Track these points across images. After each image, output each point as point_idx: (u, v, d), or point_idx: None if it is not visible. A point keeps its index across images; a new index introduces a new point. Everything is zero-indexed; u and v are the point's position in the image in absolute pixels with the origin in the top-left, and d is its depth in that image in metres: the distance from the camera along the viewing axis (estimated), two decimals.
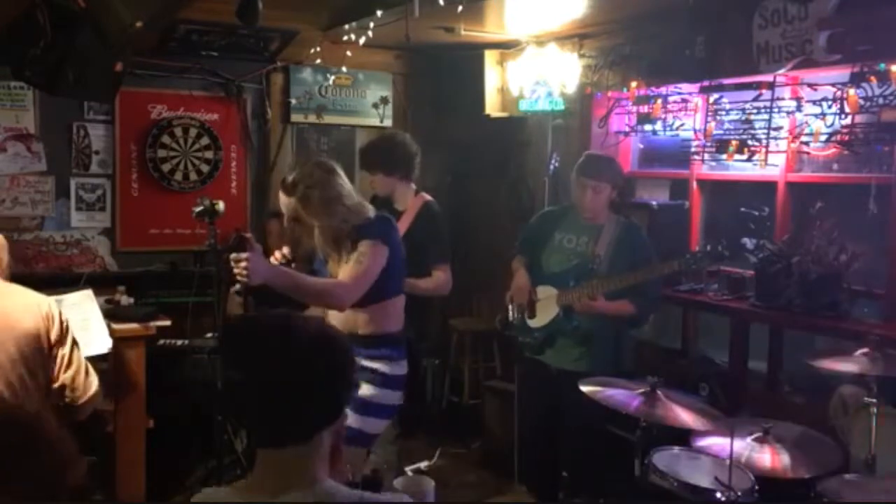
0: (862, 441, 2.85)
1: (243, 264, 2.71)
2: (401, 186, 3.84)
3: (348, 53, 4.93)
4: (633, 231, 3.75)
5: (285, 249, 3.21)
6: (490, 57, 5.05)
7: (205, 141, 5.20)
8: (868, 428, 2.79)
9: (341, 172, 3.05)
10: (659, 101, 4.18)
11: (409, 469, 4.42)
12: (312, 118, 5.44)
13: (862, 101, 3.28)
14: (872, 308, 3.50)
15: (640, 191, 4.69)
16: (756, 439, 2.86)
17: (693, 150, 4.07)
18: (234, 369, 1.52)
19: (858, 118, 3.34)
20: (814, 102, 3.52)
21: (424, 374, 5.22)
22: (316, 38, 5.00)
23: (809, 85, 3.52)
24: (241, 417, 1.56)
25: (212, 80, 5.18)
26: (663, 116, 4.20)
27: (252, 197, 5.41)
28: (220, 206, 3.05)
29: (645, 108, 4.26)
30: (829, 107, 3.43)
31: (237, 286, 3.00)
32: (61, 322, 2.95)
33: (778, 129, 3.67)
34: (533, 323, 3.78)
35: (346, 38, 4.75)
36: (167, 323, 4.04)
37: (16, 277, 3.05)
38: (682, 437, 3.01)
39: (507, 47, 5.03)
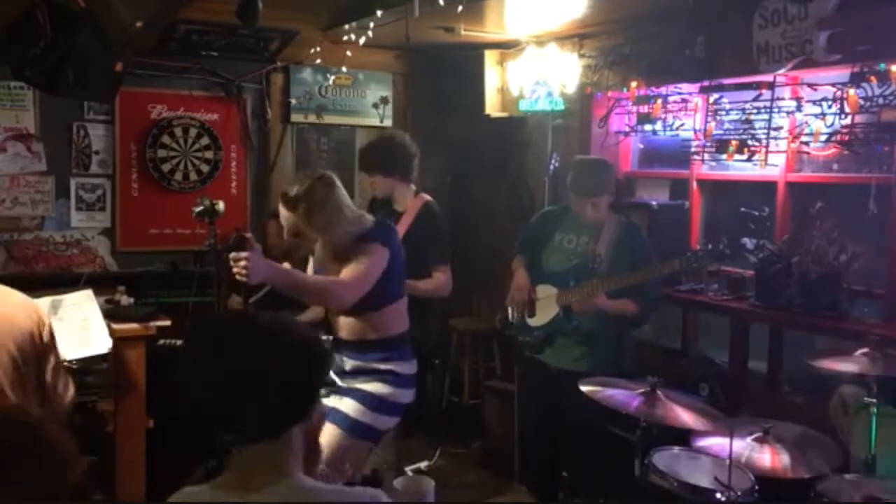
0: (862, 441, 2.85)
1: (243, 263, 2.71)
2: (400, 187, 3.84)
3: (348, 53, 4.92)
4: (633, 231, 3.75)
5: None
6: (490, 57, 5.05)
7: (205, 141, 5.20)
8: (868, 428, 2.79)
9: (340, 184, 3.06)
10: (659, 101, 4.18)
11: (409, 469, 4.42)
12: (312, 118, 5.43)
13: (862, 101, 3.28)
14: (872, 308, 3.50)
15: (640, 191, 4.69)
16: (756, 439, 2.85)
17: (693, 150, 4.07)
18: (201, 367, 1.53)
19: (858, 118, 3.34)
20: (814, 102, 3.52)
21: (425, 373, 5.23)
22: (316, 38, 5.00)
23: (809, 85, 3.52)
24: (210, 416, 1.58)
25: (212, 80, 5.18)
26: (663, 116, 4.20)
27: (252, 197, 5.40)
28: (220, 206, 3.05)
29: (645, 108, 4.25)
30: (829, 107, 3.43)
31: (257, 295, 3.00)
32: (49, 323, 2.97)
33: (778, 129, 3.67)
34: (532, 322, 3.78)
35: (346, 38, 4.75)
36: (167, 323, 4.03)
37: (16, 277, 3.06)
38: (682, 437, 3.01)
39: (507, 47, 5.03)
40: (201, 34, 4.81)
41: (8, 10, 3.25)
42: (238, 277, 2.75)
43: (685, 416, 2.82)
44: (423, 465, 4.79)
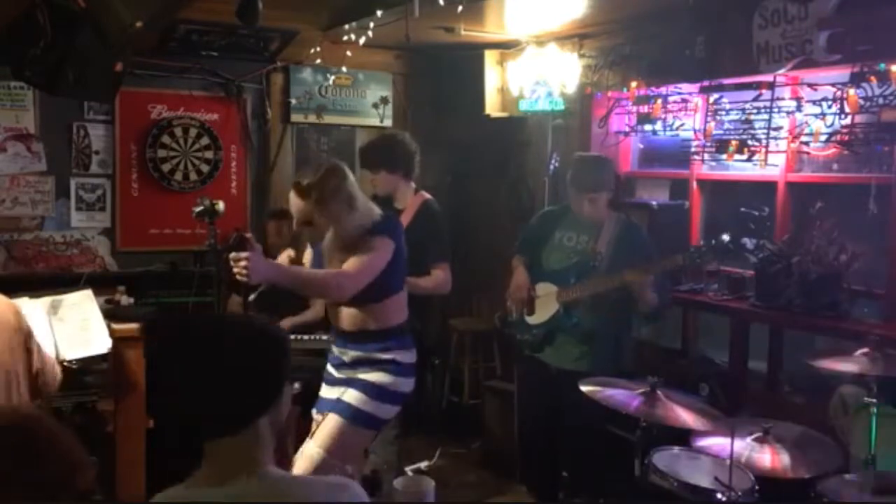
0: (862, 441, 2.85)
1: (243, 263, 2.72)
2: (402, 185, 3.85)
3: (348, 53, 4.93)
4: (633, 229, 3.75)
5: (290, 251, 3.23)
6: (490, 57, 5.05)
7: (205, 141, 5.20)
8: (868, 428, 2.79)
9: (352, 176, 3.08)
10: (659, 101, 4.18)
11: (409, 469, 4.42)
12: (312, 118, 5.44)
13: (862, 101, 3.28)
14: (872, 308, 3.50)
15: (640, 191, 4.69)
16: (756, 439, 2.85)
17: (693, 150, 4.07)
18: (158, 367, 1.54)
19: (858, 118, 3.34)
20: (814, 102, 3.52)
21: (425, 373, 5.23)
22: (316, 38, 5.00)
23: (809, 85, 3.52)
24: (174, 413, 1.59)
25: (212, 80, 5.19)
26: (663, 116, 4.20)
27: (252, 197, 5.41)
28: (220, 206, 3.06)
29: (645, 108, 4.25)
30: (829, 107, 3.43)
31: (253, 294, 3.02)
32: (18, 309, 3.02)
33: (778, 129, 3.67)
34: (532, 320, 3.78)
35: (346, 38, 4.75)
36: None
37: (16, 277, 3.08)
38: (682, 437, 3.01)
39: (507, 47, 5.03)
40: (201, 34, 4.82)
41: (8, 10, 3.25)
42: (238, 277, 2.76)
43: (685, 416, 2.81)
44: (423, 465, 4.79)
